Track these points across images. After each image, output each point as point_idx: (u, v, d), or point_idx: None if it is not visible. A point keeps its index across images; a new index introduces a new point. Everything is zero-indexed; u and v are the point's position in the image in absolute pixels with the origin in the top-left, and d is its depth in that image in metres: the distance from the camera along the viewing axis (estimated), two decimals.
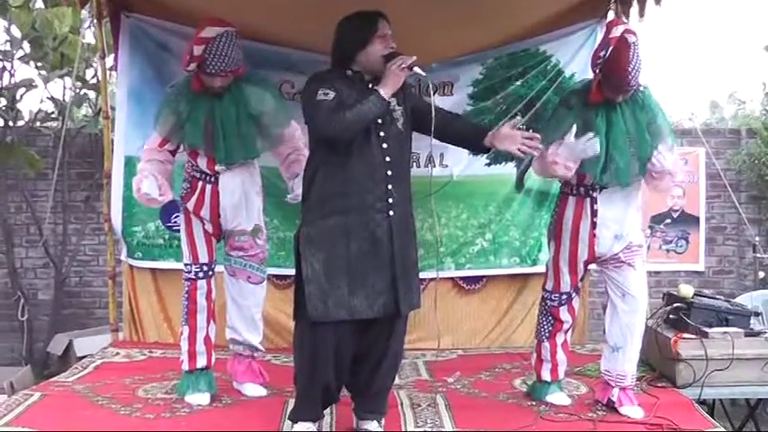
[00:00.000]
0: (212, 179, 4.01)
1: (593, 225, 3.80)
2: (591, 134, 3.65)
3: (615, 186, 3.76)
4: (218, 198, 4.01)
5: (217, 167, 3.98)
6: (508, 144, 3.55)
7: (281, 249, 5.13)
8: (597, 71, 3.71)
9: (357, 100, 3.38)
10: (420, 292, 3.71)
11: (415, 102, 3.68)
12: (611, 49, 3.60)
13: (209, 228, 4.05)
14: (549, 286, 4.03)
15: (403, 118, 3.56)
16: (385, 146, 3.47)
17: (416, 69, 3.46)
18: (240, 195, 4.05)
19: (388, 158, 3.46)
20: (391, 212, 3.45)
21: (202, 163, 4.00)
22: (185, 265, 4.09)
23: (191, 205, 4.04)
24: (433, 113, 3.52)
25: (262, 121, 3.98)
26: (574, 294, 4.01)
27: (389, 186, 3.45)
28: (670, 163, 3.72)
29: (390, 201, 3.45)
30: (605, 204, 3.79)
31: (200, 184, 4.02)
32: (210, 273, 4.08)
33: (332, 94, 3.39)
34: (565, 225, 3.88)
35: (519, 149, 3.54)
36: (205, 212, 4.03)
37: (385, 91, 3.39)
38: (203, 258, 4.05)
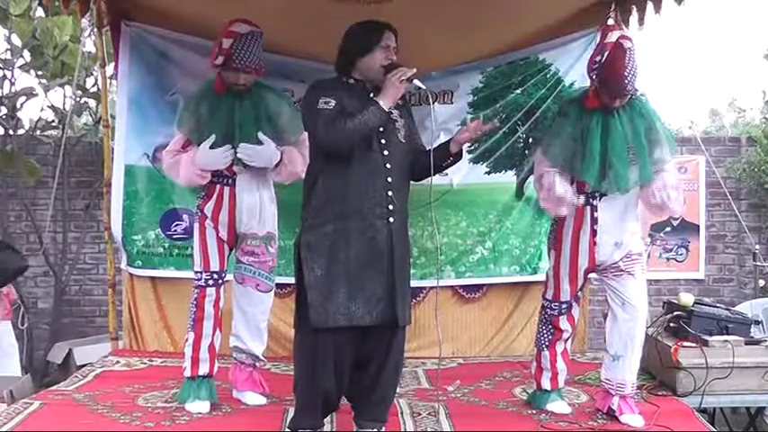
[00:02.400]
0: (230, 181, 4.04)
1: (594, 233, 3.80)
2: (573, 188, 3.72)
3: (615, 193, 3.76)
4: (236, 200, 4.04)
5: (234, 168, 4.01)
6: (463, 134, 3.65)
7: (281, 258, 5.11)
8: (594, 77, 3.72)
9: (358, 109, 3.41)
10: (410, 307, 3.71)
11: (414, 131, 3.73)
12: (606, 54, 3.62)
13: (223, 234, 4.07)
14: (549, 295, 4.02)
15: (404, 130, 3.59)
16: (386, 153, 3.48)
17: (416, 82, 3.48)
18: (256, 197, 4.08)
19: (388, 165, 3.48)
20: (391, 219, 3.47)
21: None
22: (195, 272, 4.09)
23: (208, 210, 4.05)
24: (433, 122, 3.53)
25: (279, 125, 4.02)
26: (574, 304, 4.00)
27: (389, 193, 3.47)
28: (676, 203, 3.74)
29: (391, 208, 3.47)
30: (605, 212, 3.79)
31: (217, 188, 4.05)
32: (221, 281, 4.08)
33: (332, 103, 3.42)
34: (565, 234, 3.88)
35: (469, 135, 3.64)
36: (223, 216, 4.05)
37: (384, 102, 3.41)
38: (215, 266, 4.06)
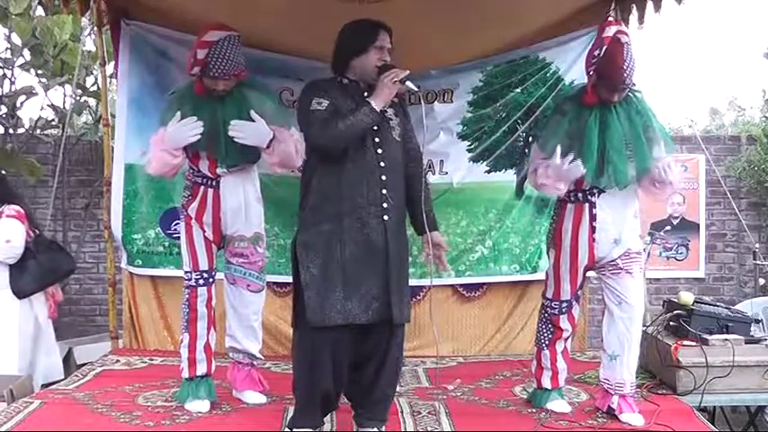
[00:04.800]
0: (213, 183, 4.02)
1: (593, 230, 3.80)
2: (571, 156, 3.67)
3: (614, 189, 3.77)
4: (219, 202, 4.03)
5: (218, 170, 4.00)
6: (429, 250, 3.62)
7: (281, 257, 5.14)
8: (591, 72, 3.74)
9: (352, 109, 3.42)
10: (410, 305, 3.70)
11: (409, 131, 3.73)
12: (604, 48, 3.65)
13: (209, 234, 4.06)
14: (550, 294, 4.02)
15: (399, 128, 3.59)
16: (380, 151, 3.48)
17: (409, 84, 3.47)
18: (240, 199, 4.07)
19: (382, 164, 3.47)
20: (386, 217, 3.46)
21: (204, 166, 4.02)
22: (185, 272, 4.09)
23: (192, 211, 4.04)
24: (425, 124, 3.52)
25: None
26: (574, 302, 4.00)
27: (384, 191, 3.46)
28: (675, 174, 3.74)
29: (385, 206, 3.46)
30: (604, 209, 3.80)
31: (201, 189, 4.04)
32: (211, 280, 4.08)
33: (325, 104, 3.42)
34: (564, 232, 3.88)
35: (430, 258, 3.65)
36: (207, 217, 4.04)
37: (377, 103, 3.41)
38: (203, 266, 4.05)
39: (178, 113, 3.90)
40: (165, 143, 3.90)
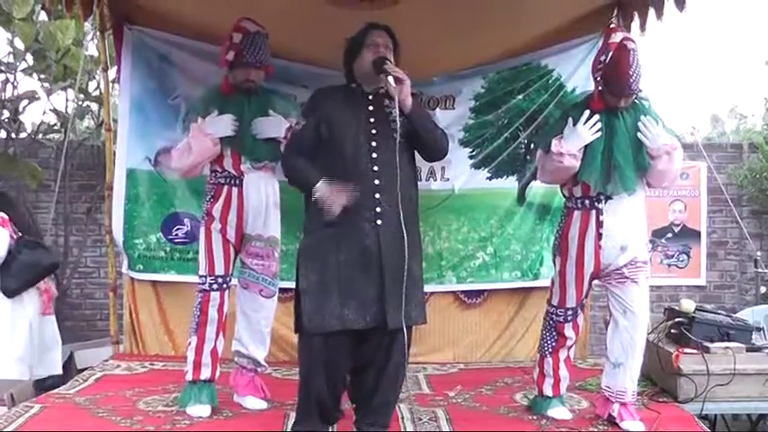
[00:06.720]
0: (237, 182, 4.07)
1: (599, 236, 3.78)
2: (587, 113, 3.68)
3: (621, 195, 3.76)
4: (243, 201, 4.08)
5: (242, 166, 4.05)
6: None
7: (283, 262, 5.12)
8: (598, 78, 3.75)
9: (345, 121, 3.46)
10: (423, 307, 3.65)
11: None
12: (611, 54, 3.64)
13: (231, 235, 4.08)
14: (555, 301, 4.00)
15: (403, 129, 3.53)
16: (375, 155, 3.47)
17: (389, 78, 3.41)
18: (262, 199, 4.12)
19: (376, 168, 3.45)
20: (379, 222, 3.44)
21: (228, 164, 4.07)
22: (200, 276, 4.11)
23: (217, 212, 4.07)
24: (398, 127, 3.47)
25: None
26: (579, 311, 3.99)
27: (377, 196, 3.44)
28: (663, 138, 3.71)
29: (378, 210, 3.44)
30: (611, 215, 3.78)
31: (225, 189, 4.08)
32: (225, 285, 4.09)
33: (303, 124, 3.56)
34: (571, 240, 3.86)
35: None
36: (232, 216, 4.07)
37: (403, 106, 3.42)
38: (219, 270, 4.07)
39: (215, 111, 4.01)
40: (207, 129, 3.98)
